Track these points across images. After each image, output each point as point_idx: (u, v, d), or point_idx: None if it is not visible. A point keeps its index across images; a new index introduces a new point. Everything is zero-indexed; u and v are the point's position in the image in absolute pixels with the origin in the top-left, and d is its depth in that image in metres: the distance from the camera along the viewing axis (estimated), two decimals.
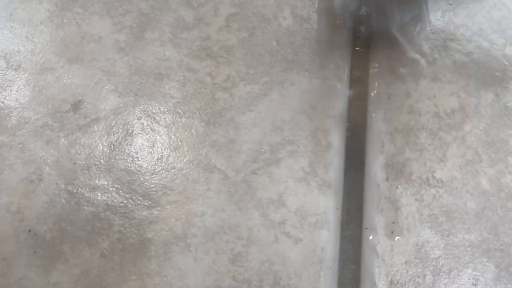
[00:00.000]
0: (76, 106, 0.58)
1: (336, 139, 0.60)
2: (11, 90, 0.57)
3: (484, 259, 0.55)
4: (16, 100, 0.57)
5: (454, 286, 0.54)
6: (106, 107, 0.58)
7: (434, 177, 0.59)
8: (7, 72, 0.58)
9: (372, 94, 0.63)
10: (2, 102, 0.57)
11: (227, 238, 0.53)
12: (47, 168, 0.54)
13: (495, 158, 0.61)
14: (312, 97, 0.62)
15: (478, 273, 0.54)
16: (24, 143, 0.55)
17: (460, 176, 0.60)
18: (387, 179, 0.58)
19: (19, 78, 0.58)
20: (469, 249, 0.56)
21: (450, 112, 0.63)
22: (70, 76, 0.59)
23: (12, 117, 0.56)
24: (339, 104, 0.62)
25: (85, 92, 0.58)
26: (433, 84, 0.64)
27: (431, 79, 0.64)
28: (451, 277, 0.54)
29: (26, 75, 0.58)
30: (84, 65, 0.59)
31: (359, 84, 0.64)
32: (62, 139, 0.56)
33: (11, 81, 0.57)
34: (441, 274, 0.54)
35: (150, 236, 0.52)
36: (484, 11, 0.67)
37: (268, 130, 0.60)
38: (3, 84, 0.57)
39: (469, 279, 0.54)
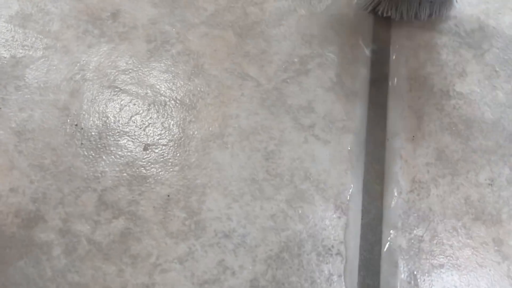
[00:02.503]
0: (114, 15, 0.63)
1: (362, 53, 0.66)
2: None
3: (500, 163, 0.62)
4: (56, 7, 0.62)
5: (471, 185, 0.60)
6: (144, 17, 0.64)
7: (454, 90, 0.66)
8: None
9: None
10: (42, 9, 0.62)
11: (260, 138, 0.60)
12: (90, 70, 0.60)
13: None
14: (340, 13, 0.68)
15: (494, 175, 0.61)
16: (68, 46, 0.61)
17: (478, 89, 0.66)
18: (410, 90, 0.65)
19: None
20: (486, 154, 0.62)
21: (470, 31, 0.69)
22: None
23: (55, 23, 0.62)
24: (365, 20, 0.68)
25: (122, 2, 0.64)
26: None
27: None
28: (468, 177, 0.61)
29: None
30: None
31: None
32: (103, 44, 0.61)
33: None
34: (459, 174, 0.61)
35: (189, 133, 0.59)
36: None
37: (298, 43, 0.66)
38: None
39: (485, 179, 0.61)
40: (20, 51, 0.64)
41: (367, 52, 0.72)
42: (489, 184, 0.65)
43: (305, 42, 0.70)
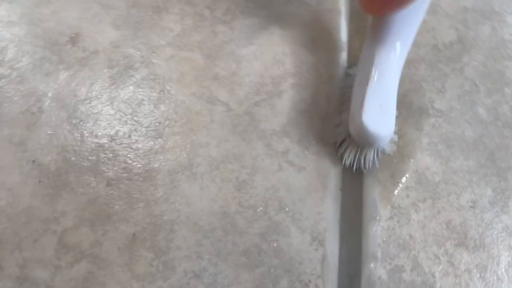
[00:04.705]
0: (74, 39, 0.58)
1: (337, 72, 0.62)
2: (5, 23, 0.57)
3: (481, 184, 0.58)
4: (11, 33, 0.57)
5: (452, 208, 0.57)
6: (105, 40, 0.59)
7: (434, 107, 0.62)
8: (1, 5, 0.58)
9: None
10: None
11: (232, 167, 0.56)
12: (48, 101, 0.55)
13: (492, 88, 0.64)
14: (313, 30, 0.63)
15: (475, 197, 0.58)
16: (23, 76, 0.56)
17: (458, 106, 0.62)
18: None
19: (13, 11, 0.58)
20: (467, 174, 0.59)
21: (448, 44, 0.65)
22: (66, 9, 0.59)
23: (9, 50, 0.57)
24: (340, 37, 0.64)
25: (82, 25, 0.59)
26: (432, 17, 0.66)
27: (430, 12, 0.66)
28: (449, 200, 0.57)
29: (21, 9, 0.58)
30: None
31: (359, 16, 0.66)
32: (62, 72, 0.57)
33: (5, 14, 0.57)
34: (440, 198, 0.57)
35: (155, 165, 0.54)
36: None
37: (270, 63, 0.62)
38: None
39: (467, 202, 0.57)
40: None
41: (342, 70, 0.68)
42: (471, 206, 0.62)
43: (277, 61, 0.66)
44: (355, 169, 0.61)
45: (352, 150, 0.59)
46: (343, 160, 0.60)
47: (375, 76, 0.56)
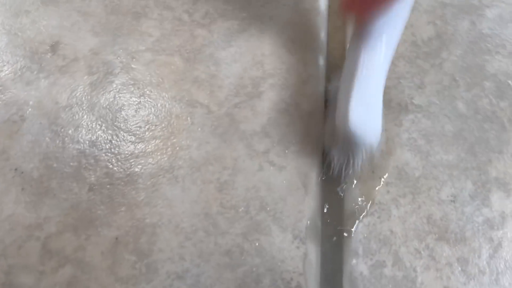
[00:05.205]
0: (54, 47, 0.59)
1: (316, 71, 0.63)
2: None
3: (462, 177, 0.59)
4: None
5: (433, 202, 0.58)
6: (85, 48, 0.60)
7: (413, 103, 0.62)
8: None
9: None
10: None
11: (213, 169, 0.57)
12: (30, 109, 0.56)
13: (472, 83, 0.65)
14: (292, 30, 0.64)
15: (456, 191, 0.58)
16: (4, 85, 0.57)
17: (438, 101, 0.63)
18: None
19: None
20: (447, 169, 0.59)
21: (427, 40, 0.66)
22: (45, 18, 0.60)
23: None
24: (319, 36, 0.64)
25: (62, 34, 0.60)
26: (410, 13, 0.67)
27: None
28: (430, 194, 0.58)
29: (0, 19, 0.59)
30: (59, 7, 0.60)
31: (338, 15, 0.66)
32: (43, 80, 0.57)
33: None
34: (420, 192, 0.58)
35: (137, 169, 0.55)
36: None
37: (249, 64, 0.62)
38: None
39: (447, 196, 0.58)
40: None
41: (321, 69, 0.68)
42: (451, 200, 0.62)
43: (256, 63, 0.67)
44: (343, 177, 0.61)
45: (340, 158, 0.59)
46: (331, 170, 0.60)
47: (361, 77, 0.56)
